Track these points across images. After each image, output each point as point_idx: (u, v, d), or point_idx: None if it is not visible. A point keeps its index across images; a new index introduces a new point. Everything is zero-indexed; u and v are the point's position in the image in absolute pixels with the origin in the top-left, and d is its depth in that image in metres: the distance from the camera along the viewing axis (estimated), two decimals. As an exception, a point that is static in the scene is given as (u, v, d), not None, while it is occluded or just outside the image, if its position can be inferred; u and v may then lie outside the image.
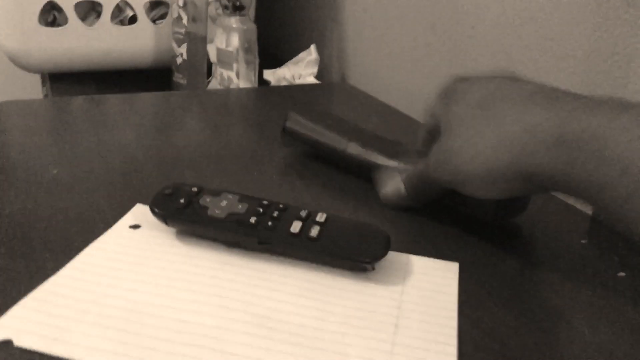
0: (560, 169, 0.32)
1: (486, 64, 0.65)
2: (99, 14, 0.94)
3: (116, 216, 0.42)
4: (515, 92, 0.37)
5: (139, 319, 0.31)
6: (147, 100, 0.74)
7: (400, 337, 0.31)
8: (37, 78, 1.15)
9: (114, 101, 0.72)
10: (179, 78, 0.92)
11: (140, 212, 0.42)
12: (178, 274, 0.35)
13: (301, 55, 0.97)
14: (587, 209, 0.51)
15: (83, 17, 0.94)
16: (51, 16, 0.96)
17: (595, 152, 0.30)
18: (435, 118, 0.43)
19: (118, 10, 0.96)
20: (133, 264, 0.36)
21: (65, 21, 0.91)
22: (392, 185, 0.46)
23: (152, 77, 0.99)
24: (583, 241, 0.43)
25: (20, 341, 0.29)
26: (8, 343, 0.29)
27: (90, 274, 0.35)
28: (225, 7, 0.83)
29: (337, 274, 0.36)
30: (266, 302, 0.33)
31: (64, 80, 0.97)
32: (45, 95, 1.10)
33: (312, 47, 0.96)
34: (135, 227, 0.40)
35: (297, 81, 0.93)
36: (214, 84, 0.91)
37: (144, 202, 0.43)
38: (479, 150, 0.36)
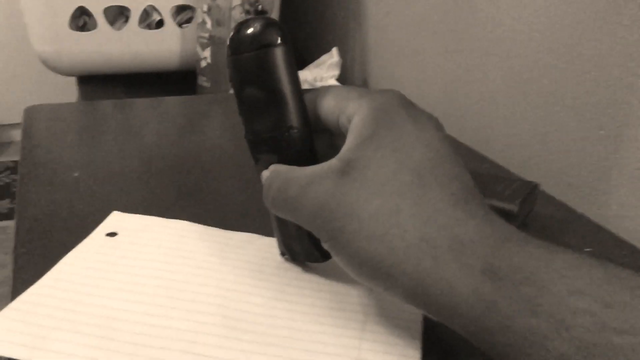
0: (477, 305, 0.26)
1: (502, 69, 0.65)
2: (127, 19, 0.96)
3: (131, 219, 0.43)
4: (451, 178, 0.29)
5: (116, 326, 0.32)
6: (171, 104, 0.76)
7: (368, 334, 0.32)
8: (73, 80, 1.18)
9: (140, 105, 0.74)
10: (203, 81, 0.94)
11: (116, 220, 0.43)
12: (153, 280, 0.36)
13: (323, 57, 0.98)
14: (593, 217, 0.51)
15: (112, 22, 0.97)
16: (81, 21, 0.99)
17: (529, 299, 0.25)
18: (340, 123, 0.33)
19: (145, 15, 0.99)
20: (110, 272, 0.37)
21: (94, 26, 0.94)
22: None
23: (178, 79, 1.01)
24: (587, 250, 0.43)
25: (3, 351, 0.30)
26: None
27: (68, 282, 0.35)
28: (247, 12, 0.84)
29: (305, 274, 0.38)
30: (238, 304, 0.34)
31: (93, 83, 1.00)
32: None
33: (334, 50, 0.97)
34: (112, 234, 0.41)
35: (319, 84, 0.94)
36: (237, 87, 0.93)
37: (158, 208, 0.45)
38: (393, 249, 0.28)
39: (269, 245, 0.40)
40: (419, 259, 0.27)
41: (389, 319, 0.34)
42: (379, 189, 0.29)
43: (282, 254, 0.39)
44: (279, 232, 0.38)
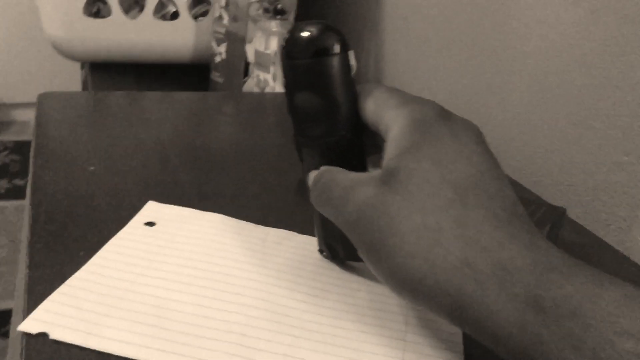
0: (520, 336, 0.25)
1: (525, 85, 0.64)
2: (142, 8, 0.95)
3: (149, 220, 0.42)
4: (493, 197, 0.29)
5: (165, 315, 0.32)
6: (185, 99, 0.75)
7: (411, 335, 0.33)
8: (77, 65, 1.17)
9: (153, 98, 0.73)
10: (216, 76, 0.93)
11: (153, 210, 0.43)
12: (198, 271, 0.37)
13: (338, 61, 0.97)
14: (617, 245, 0.50)
15: (126, 10, 0.95)
16: (95, 7, 0.98)
17: (573, 336, 0.24)
18: (380, 130, 0.33)
19: (161, 6, 0.98)
20: (154, 261, 0.37)
21: (108, 13, 0.93)
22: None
23: (191, 72, 1.00)
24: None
25: (55, 334, 0.30)
26: (43, 336, 0.30)
27: (114, 270, 0.36)
28: (266, 10, 0.83)
29: (344, 273, 0.38)
30: (283, 300, 0.35)
31: (105, 71, 0.98)
32: (84, 81, 1.12)
33: (350, 54, 0.96)
34: (150, 224, 0.41)
35: (333, 87, 0.93)
36: (250, 85, 0.92)
37: (176, 203, 0.44)
38: (435, 269, 0.27)
39: (305, 243, 0.41)
40: (461, 281, 0.27)
41: (429, 321, 0.34)
42: (421, 204, 0.28)
43: (321, 251, 0.39)
44: (322, 230, 0.37)
